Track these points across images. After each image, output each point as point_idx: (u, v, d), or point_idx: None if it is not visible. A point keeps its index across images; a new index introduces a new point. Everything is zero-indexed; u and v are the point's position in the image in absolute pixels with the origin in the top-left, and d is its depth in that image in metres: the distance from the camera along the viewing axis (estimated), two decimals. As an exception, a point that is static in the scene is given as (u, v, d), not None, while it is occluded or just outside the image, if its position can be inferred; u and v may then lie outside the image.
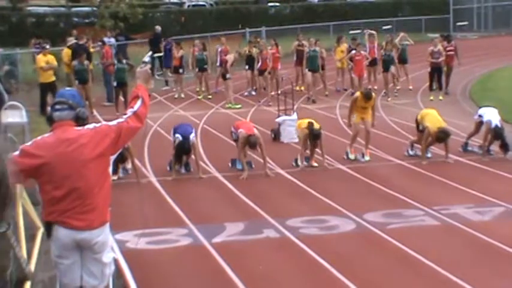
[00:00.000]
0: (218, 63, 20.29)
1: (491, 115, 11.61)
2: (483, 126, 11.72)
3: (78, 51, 18.29)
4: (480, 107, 12.71)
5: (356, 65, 19.03)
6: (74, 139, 4.58)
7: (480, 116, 11.87)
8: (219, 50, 20.55)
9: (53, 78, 17.38)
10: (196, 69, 20.16)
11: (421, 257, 7.08)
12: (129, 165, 10.78)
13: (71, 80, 18.04)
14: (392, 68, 18.86)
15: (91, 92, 17.78)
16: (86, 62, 17.74)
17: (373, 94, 11.89)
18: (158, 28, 25.29)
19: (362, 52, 19.22)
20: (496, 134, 11.41)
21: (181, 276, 6.89)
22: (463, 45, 23.66)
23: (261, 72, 19.19)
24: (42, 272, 6.65)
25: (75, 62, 17.65)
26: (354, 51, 19.24)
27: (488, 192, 9.46)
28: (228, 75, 18.36)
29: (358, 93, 11.94)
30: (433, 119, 11.35)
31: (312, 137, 10.99)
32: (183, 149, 10.69)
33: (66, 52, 19.45)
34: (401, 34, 20.88)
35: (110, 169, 4.78)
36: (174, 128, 11.17)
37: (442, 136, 11.10)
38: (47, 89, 16.89)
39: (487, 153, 11.64)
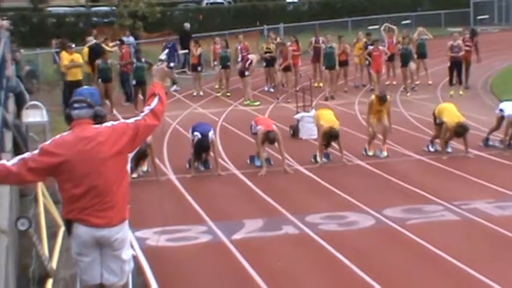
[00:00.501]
0: (240, 59, 20.20)
1: (512, 109, 11.51)
2: (504, 121, 11.62)
3: (97, 51, 18.42)
4: (501, 101, 12.58)
5: (374, 60, 18.93)
6: (92, 137, 4.63)
7: (501, 110, 11.76)
8: (239, 47, 20.53)
9: (80, 77, 17.48)
10: (220, 67, 20.15)
11: (441, 252, 7.04)
12: (144, 168, 10.84)
13: (92, 78, 18.18)
14: (412, 65, 18.73)
15: (113, 91, 17.91)
16: (109, 61, 17.87)
17: (388, 97, 11.82)
18: (187, 25, 25.32)
19: (380, 47, 19.12)
20: (517, 128, 11.32)
21: (201, 273, 6.93)
22: (484, 39, 23.41)
23: (285, 68, 19.00)
24: (63, 270, 6.72)
25: (99, 61, 17.78)
26: (371, 47, 19.14)
27: (509, 186, 9.38)
28: (246, 73, 18.38)
29: (373, 97, 11.93)
30: (451, 113, 11.27)
31: (332, 137, 10.95)
32: (202, 147, 10.74)
33: (85, 52, 19.62)
34: (420, 29, 20.72)
35: (128, 166, 4.82)
36: (192, 127, 11.22)
37: (460, 131, 11.03)
38: (74, 87, 16.89)
39: (508, 148, 11.53)
